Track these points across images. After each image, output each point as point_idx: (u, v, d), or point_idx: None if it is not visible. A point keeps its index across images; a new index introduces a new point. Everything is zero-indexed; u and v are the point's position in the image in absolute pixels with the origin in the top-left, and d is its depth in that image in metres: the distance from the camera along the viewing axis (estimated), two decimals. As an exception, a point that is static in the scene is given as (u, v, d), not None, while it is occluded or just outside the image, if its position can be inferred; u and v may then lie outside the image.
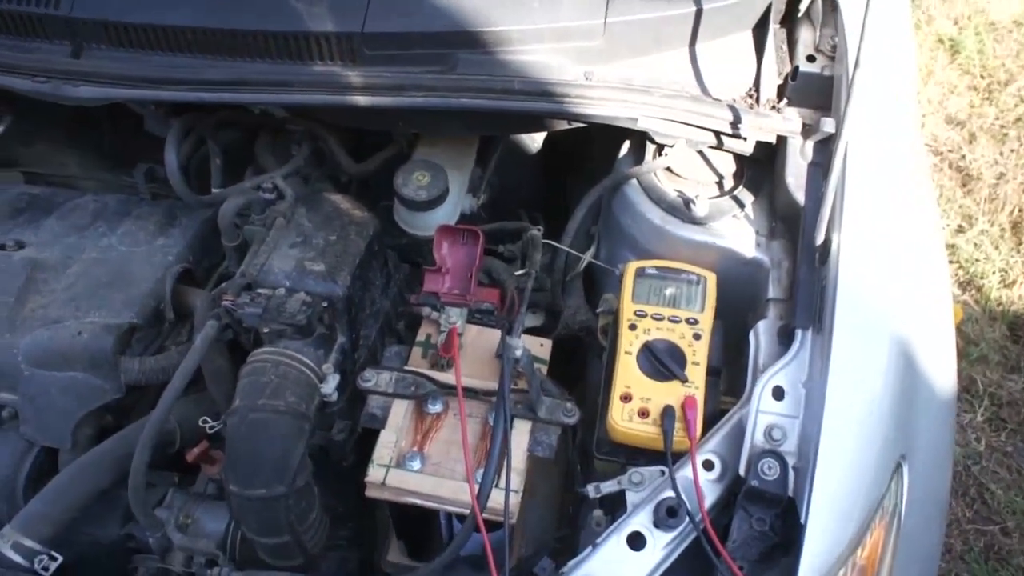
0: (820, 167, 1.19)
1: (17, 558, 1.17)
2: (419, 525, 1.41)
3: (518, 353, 1.17)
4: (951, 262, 2.82)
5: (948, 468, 1.22)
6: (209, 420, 1.27)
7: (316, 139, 1.56)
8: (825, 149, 1.24)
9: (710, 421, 1.19)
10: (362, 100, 1.31)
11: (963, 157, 3.12)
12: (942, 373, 1.21)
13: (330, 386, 1.23)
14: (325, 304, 1.26)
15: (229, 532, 1.28)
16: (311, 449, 1.34)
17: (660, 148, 1.39)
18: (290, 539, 1.20)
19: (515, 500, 1.19)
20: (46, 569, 1.19)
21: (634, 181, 1.37)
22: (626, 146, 1.46)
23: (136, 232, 1.45)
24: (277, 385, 1.17)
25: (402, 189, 1.45)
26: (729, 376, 1.32)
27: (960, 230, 2.89)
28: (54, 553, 1.20)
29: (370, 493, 1.21)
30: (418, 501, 1.21)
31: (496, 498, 1.16)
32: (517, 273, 1.45)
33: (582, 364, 1.57)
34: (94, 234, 1.45)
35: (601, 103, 1.29)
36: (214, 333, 1.23)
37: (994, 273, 2.77)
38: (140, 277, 1.37)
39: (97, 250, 1.41)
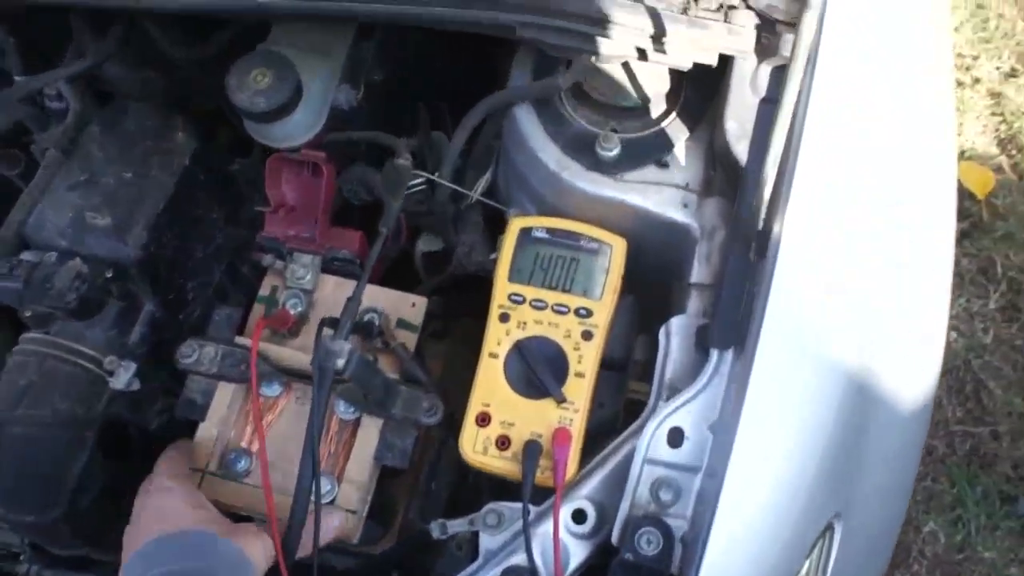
0: (774, 107, 0.81)
1: None
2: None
3: (340, 363, 0.88)
4: (994, 114, 2.37)
5: (901, 510, 0.96)
6: None
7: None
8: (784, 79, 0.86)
9: (604, 430, 0.93)
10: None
11: (1033, -26, 2.55)
12: (913, 398, 0.90)
13: (121, 379, 0.96)
14: (110, 274, 0.97)
15: None
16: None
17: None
18: (95, 550, 1.01)
19: (353, 522, 0.97)
20: None
21: (529, 105, 1.00)
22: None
23: None
24: (41, 388, 0.92)
25: (236, 95, 1.05)
26: (651, 349, 1.04)
27: (1012, 75, 2.40)
28: None
29: (185, 502, 1.00)
30: (244, 513, 1.00)
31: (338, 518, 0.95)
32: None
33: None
34: None
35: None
36: None
37: (1044, 130, 2.33)
38: None
39: None
